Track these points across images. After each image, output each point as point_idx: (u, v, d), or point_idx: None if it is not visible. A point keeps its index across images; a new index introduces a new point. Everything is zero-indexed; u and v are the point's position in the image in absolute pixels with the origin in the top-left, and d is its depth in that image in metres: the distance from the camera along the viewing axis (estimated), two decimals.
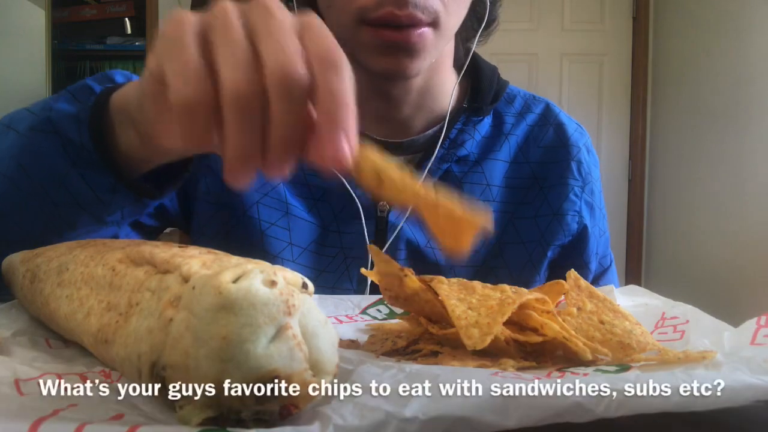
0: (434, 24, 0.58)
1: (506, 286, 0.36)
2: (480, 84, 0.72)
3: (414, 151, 0.71)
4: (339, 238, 0.68)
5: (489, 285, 0.37)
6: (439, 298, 0.35)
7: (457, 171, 0.71)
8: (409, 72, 0.61)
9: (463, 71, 0.72)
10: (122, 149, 0.45)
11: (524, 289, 0.36)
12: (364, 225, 0.67)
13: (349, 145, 0.30)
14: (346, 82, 0.30)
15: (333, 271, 0.67)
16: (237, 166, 0.30)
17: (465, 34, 0.72)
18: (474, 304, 0.34)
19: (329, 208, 0.68)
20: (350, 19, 0.58)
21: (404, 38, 0.57)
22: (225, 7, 0.32)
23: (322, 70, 0.30)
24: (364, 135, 0.71)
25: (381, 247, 0.68)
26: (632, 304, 0.44)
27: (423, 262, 0.69)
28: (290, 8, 0.59)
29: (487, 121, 0.73)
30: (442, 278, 0.37)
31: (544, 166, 0.73)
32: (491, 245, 0.70)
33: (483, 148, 0.72)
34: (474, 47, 0.71)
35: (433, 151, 0.69)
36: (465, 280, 0.37)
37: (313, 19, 0.32)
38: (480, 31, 0.70)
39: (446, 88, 0.72)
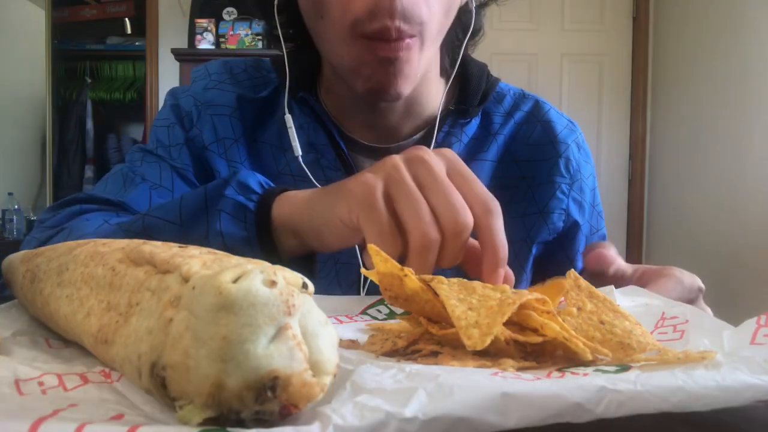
0: (420, 35, 0.57)
1: (506, 287, 0.35)
2: (467, 87, 0.72)
3: None
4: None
5: (489, 285, 0.36)
6: (439, 298, 0.35)
7: None
8: (395, 93, 0.60)
9: (450, 80, 0.71)
10: (282, 249, 0.52)
11: (525, 291, 0.36)
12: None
13: (506, 275, 0.41)
14: (501, 223, 0.41)
15: (323, 277, 0.67)
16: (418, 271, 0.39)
17: (451, 43, 0.71)
18: (474, 305, 0.33)
19: None
20: (345, 31, 0.57)
21: (395, 54, 0.56)
22: (396, 165, 0.42)
23: (483, 215, 0.41)
24: (352, 141, 0.71)
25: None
26: (632, 304, 0.43)
27: None
28: (272, 18, 0.67)
29: (475, 122, 0.72)
30: (442, 278, 0.36)
31: (531, 164, 0.72)
32: None
33: (470, 150, 0.72)
34: (461, 57, 0.70)
35: None
36: (465, 280, 0.37)
37: (462, 166, 0.43)
38: (466, 40, 0.70)
39: (432, 95, 0.71)
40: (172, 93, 0.76)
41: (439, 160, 0.42)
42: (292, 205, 0.51)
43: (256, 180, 0.54)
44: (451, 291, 0.34)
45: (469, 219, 0.41)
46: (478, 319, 0.32)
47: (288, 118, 0.67)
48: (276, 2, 0.66)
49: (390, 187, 0.42)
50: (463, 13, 0.68)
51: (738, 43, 2.57)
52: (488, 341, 0.30)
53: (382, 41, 0.56)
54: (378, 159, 0.73)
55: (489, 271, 0.41)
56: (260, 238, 0.51)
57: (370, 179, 0.43)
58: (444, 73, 0.72)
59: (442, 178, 0.41)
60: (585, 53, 3.33)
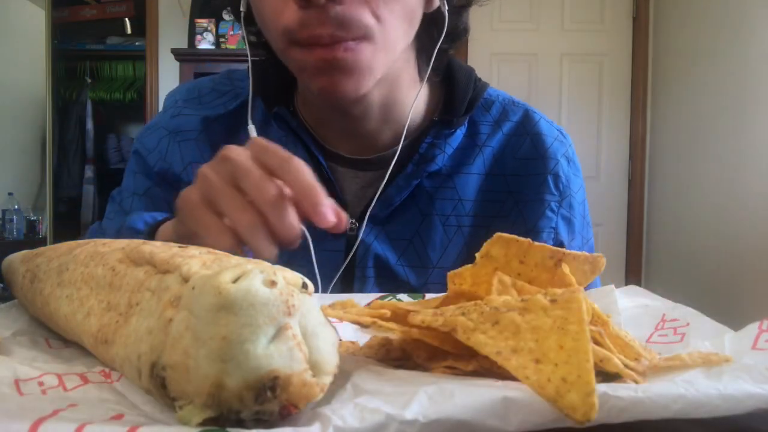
0: (366, 38, 0.55)
1: (538, 298, 0.28)
2: (453, 95, 0.70)
3: (384, 167, 0.68)
4: (311, 254, 0.66)
5: (510, 300, 0.29)
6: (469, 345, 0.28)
7: (428, 186, 0.68)
8: (347, 91, 0.57)
9: (423, 82, 0.68)
10: None
11: (558, 294, 0.28)
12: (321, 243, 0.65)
13: (328, 209, 0.43)
14: (301, 167, 0.43)
15: (302, 266, 0.67)
16: (263, 253, 0.42)
17: (427, 45, 0.67)
18: (532, 347, 0.26)
19: (303, 225, 0.67)
20: (280, 40, 0.57)
21: (331, 53, 0.55)
22: (203, 172, 0.45)
23: (280, 170, 0.43)
24: (331, 153, 0.69)
25: (349, 265, 0.66)
26: (632, 304, 0.43)
27: (393, 280, 0.67)
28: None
29: (460, 132, 0.70)
30: (455, 315, 0.29)
31: (519, 179, 0.70)
32: (465, 260, 0.68)
33: (455, 161, 0.70)
34: (433, 59, 0.67)
35: (403, 167, 0.67)
36: (480, 300, 0.30)
37: (263, 145, 0.45)
38: (439, 43, 0.66)
39: (411, 101, 0.68)
40: (138, 138, 0.77)
41: (241, 150, 0.45)
42: (164, 235, 0.54)
43: (142, 220, 0.58)
44: (487, 338, 0.27)
45: (271, 186, 0.42)
46: (564, 375, 0.24)
47: (251, 128, 0.64)
48: (242, 15, 0.65)
49: (206, 194, 0.45)
50: (439, 16, 0.65)
51: (738, 43, 2.57)
52: (596, 402, 0.23)
53: (316, 46, 0.55)
54: (358, 170, 0.71)
55: (312, 212, 0.42)
56: None
57: (186, 193, 0.46)
58: (422, 77, 0.69)
59: (244, 164, 0.43)
60: (585, 53, 3.33)
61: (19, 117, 3.56)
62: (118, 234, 0.58)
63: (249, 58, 0.68)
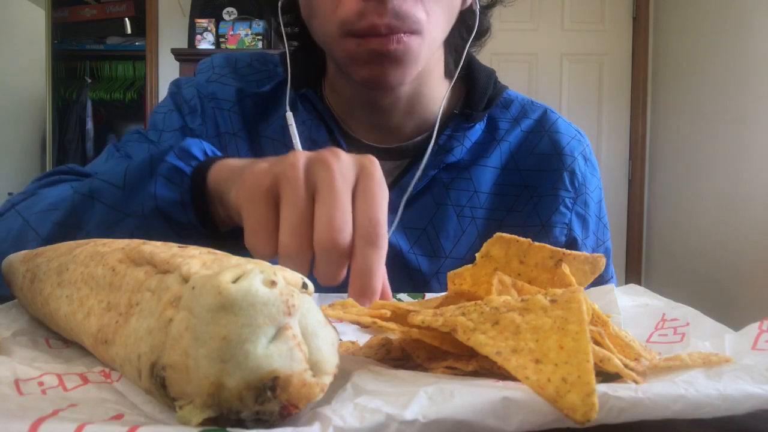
0: (417, 32, 0.58)
1: (538, 298, 0.28)
2: (474, 91, 0.72)
3: (403, 157, 0.71)
4: None
5: (510, 300, 0.29)
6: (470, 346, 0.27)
7: (445, 177, 0.70)
8: (393, 81, 0.60)
9: (454, 79, 0.71)
10: (216, 218, 0.52)
11: (558, 294, 0.28)
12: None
13: (374, 295, 0.37)
14: (381, 258, 0.38)
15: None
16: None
17: (455, 43, 0.71)
18: (532, 348, 0.25)
19: None
20: (334, 30, 0.59)
21: (386, 45, 0.57)
22: (295, 163, 0.39)
23: (360, 240, 0.37)
24: (353, 139, 0.71)
25: None
26: (633, 304, 0.43)
27: (405, 268, 0.68)
28: (275, 17, 0.68)
29: (479, 127, 0.72)
30: (455, 314, 0.28)
31: (535, 174, 0.72)
32: (478, 252, 0.68)
33: (473, 155, 0.71)
34: (464, 56, 0.71)
35: (422, 158, 0.69)
36: (480, 300, 0.30)
37: (373, 182, 0.39)
38: (470, 40, 0.70)
39: (437, 95, 0.71)
40: (176, 83, 0.77)
41: (349, 168, 0.40)
42: (222, 172, 0.49)
43: (200, 148, 0.53)
44: (487, 338, 0.27)
45: (341, 239, 0.37)
46: (564, 375, 0.24)
47: (289, 115, 0.66)
48: (280, 3, 0.68)
49: (280, 185, 0.39)
50: (467, 14, 0.68)
51: (738, 43, 2.57)
52: (596, 403, 0.23)
53: (372, 36, 0.57)
54: (378, 158, 0.73)
55: (354, 298, 0.37)
56: (195, 204, 0.50)
57: (262, 173, 0.41)
58: (449, 74, 0.73)
59: (338, 189, 0.38)
60: (585, 53, 3.33)
61: (19, 117, 3.56)
62: (144, 163, 0.52)
63: (286, 48, 0.71)
